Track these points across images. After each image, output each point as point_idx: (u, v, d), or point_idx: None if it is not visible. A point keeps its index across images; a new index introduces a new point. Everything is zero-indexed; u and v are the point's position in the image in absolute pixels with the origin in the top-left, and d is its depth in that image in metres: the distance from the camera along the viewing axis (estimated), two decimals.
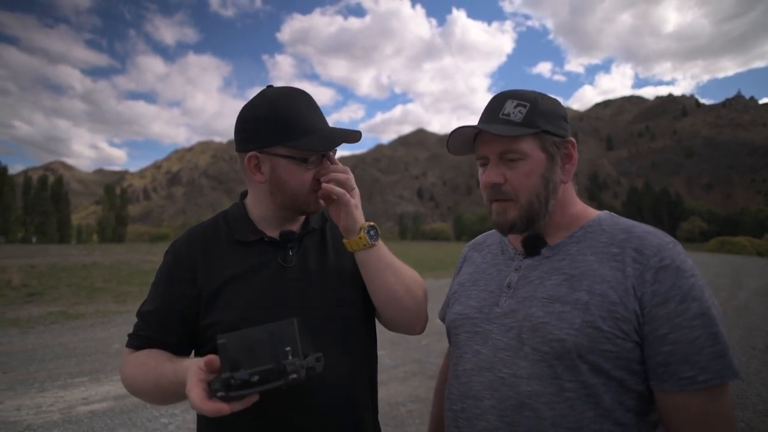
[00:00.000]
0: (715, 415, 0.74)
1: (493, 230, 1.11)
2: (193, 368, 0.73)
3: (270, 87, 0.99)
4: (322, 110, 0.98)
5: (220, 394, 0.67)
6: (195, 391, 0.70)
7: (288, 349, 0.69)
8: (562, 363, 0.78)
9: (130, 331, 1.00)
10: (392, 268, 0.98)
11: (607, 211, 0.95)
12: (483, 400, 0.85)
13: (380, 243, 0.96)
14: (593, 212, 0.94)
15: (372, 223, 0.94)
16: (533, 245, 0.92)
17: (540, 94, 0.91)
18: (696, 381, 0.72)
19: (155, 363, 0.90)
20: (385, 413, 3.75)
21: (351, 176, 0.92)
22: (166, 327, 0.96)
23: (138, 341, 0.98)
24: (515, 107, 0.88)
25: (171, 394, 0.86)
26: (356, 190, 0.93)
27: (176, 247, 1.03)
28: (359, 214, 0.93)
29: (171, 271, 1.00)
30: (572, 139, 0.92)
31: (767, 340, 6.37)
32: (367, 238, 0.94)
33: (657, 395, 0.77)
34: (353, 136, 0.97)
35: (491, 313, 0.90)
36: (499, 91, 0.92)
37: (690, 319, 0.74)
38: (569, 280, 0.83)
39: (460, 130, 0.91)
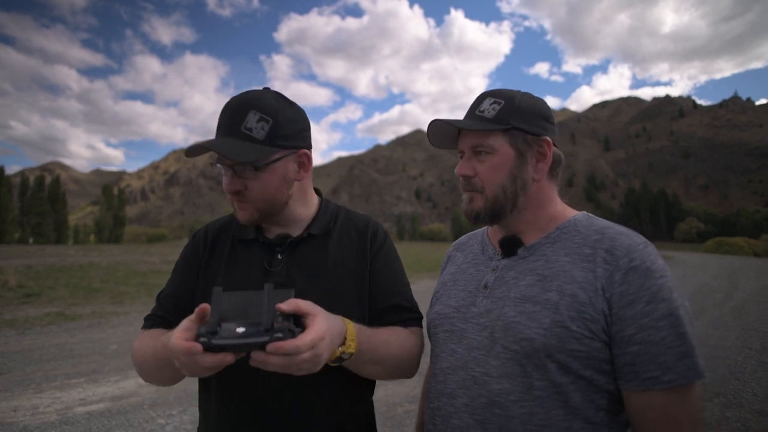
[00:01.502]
0: (680, 415, 0.75)
1: (476, 230, 1.13)
2: (184, 320, 0.72)
3: (265, 88, 0.98)
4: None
5: (202, 339, 0.65)
6: (177, 332, 0.68)
7: (279, 314, 0.69)
8: (532, 362, 0.79)
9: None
10: (373, 362, 0.90)
11: (584, 212, 0.95)
12: (456, 398, 0.86)
13: (356, 351, 0.83)
14: (571, 212, 0.95)
15: (341, 352, 0.80)
16: (510, 245, 0.93)
17: (523, 93, 0.94)
18: (661, 381, 0.73)
19: (158, 334, 0.92)
20: (382, 413, 3.75)
21: (296, 361, 0.68)
22: (181, 308, 0.96)
23: (152, 321, 1.00)
24: (491, 104, 0.91)
25: (163, 359, 0.84)
26: (308, 363, 0.70)
27: (196, 235, 1.10)
28: (314, 368, 0.73)
29: (189, 254, 1.06)
30: (548, 138, 0.92)
31: (763, 341, 6.40)
32: (333, 362, 0.82)
33: (624, 394, 0.78)
34: (219, 147, 0.86)
35: (468, 312, 0.92)
36: None
37: (657, 319, 0.74)
38: (542, 280, 0.84)
39: (436, 123, 0.94)
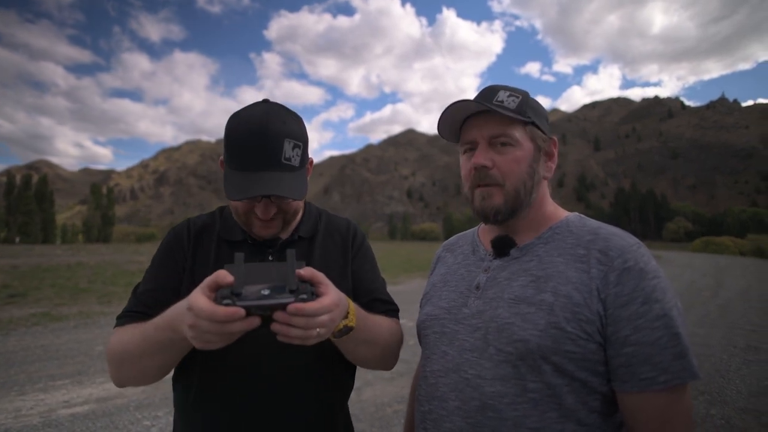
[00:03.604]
0: (675, 415, 0.75)
1: (466, 231, 1.12)
2: (198, 287, 0.69)
3: (264, 101, 0.96)
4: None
5: (226, 301, 0.65)
6: (201, 298, 0.66)
7: (297, 279, 0.70)
8: (526, 363, 0.78)
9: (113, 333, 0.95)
10: (367, 342, 0.92)
11: (576, 213, 0.95)
12: (448, 401, 0.85)
13: (355, 326, 0.85)
14: (563, 213, 0.95)
15: (344, 325, 0.82)
16: (502, 246, 0.92)
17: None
18: (656, 381, 0.73)
19: (143, 323, 0.87)
20: (371, 413, 3.75)
21: (315, 323, 0.69)
22: (164, 304, 0.87)
23: (131, 318, 0.94)
24: (508, 96, 0.89)
25: (154, 343, 0.82)
26: (324, 329, 0.72)
27: (177, 229, 1.06)
28: (326, 334, 0.75)
29: (171, 248, 1.02)
30: (554, 138, 0.94)
31: (747, 339, 6.50)
32: (333, 336, 0.84)
33: (619, 396, 0.78)
34: (277, 188, 0.86)
35: (459, 313, 0.90)
36: None
37: (651, 320, 0.74)
38: (536, 281, 0.83)
39: (459, 105, 0.89)
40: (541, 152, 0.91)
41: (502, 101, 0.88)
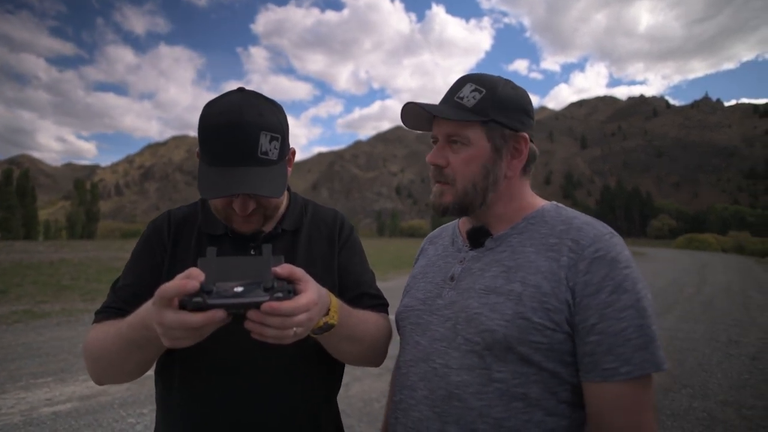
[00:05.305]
0: (637, 406, 0.74)
1: (449, 223, 1.12)
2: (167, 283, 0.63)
3: (239, 89, 0.91)
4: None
5: (195, 299, 0.61)
6: (167, 286, 0.62)
7: (274, 277, 0.67)
8: (492, 354, 0.78)
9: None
10: (350, 339, 0.89)
11: (553, 202, 0.94)
12: (417, 390, 0.85)
13: (337, 323, 0.82)
14: (540, 203, 0.94)
15: (324, 323, 0.79)
16: (477, 237, 0.92)
17: (505, 81, 0.89)
18: (618, 372, 0.73)
19: (119, 320, 0.83)
20: (359, 409, 3.75)
21: (291, 322, 0.66)
22: (140, 299, 0.82)
23: (108, 314, 0.91)
24: (471, 91, 0.86)
25: (129, 341, 0.78)
26: (301, 328, 0.68)
27: (156, 222, 1.02)
28: (303, 333, 0.71)
29: (151, 241, 0.99)
30: (525, 134, 0.89)
31: (729, 334, 6.64)
32: (315, 332, 0.80)
33: (583, 385, 0.77)
34: (253, 186, 0.83)
35: (434, 304, 0.91)
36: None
37: (618, 310, 0.74)
38: (507, 271, 0.83)
39: (411, 106, 0.90)
40: (501, 151, 0.88)
41: (462, 97, 0.86)
